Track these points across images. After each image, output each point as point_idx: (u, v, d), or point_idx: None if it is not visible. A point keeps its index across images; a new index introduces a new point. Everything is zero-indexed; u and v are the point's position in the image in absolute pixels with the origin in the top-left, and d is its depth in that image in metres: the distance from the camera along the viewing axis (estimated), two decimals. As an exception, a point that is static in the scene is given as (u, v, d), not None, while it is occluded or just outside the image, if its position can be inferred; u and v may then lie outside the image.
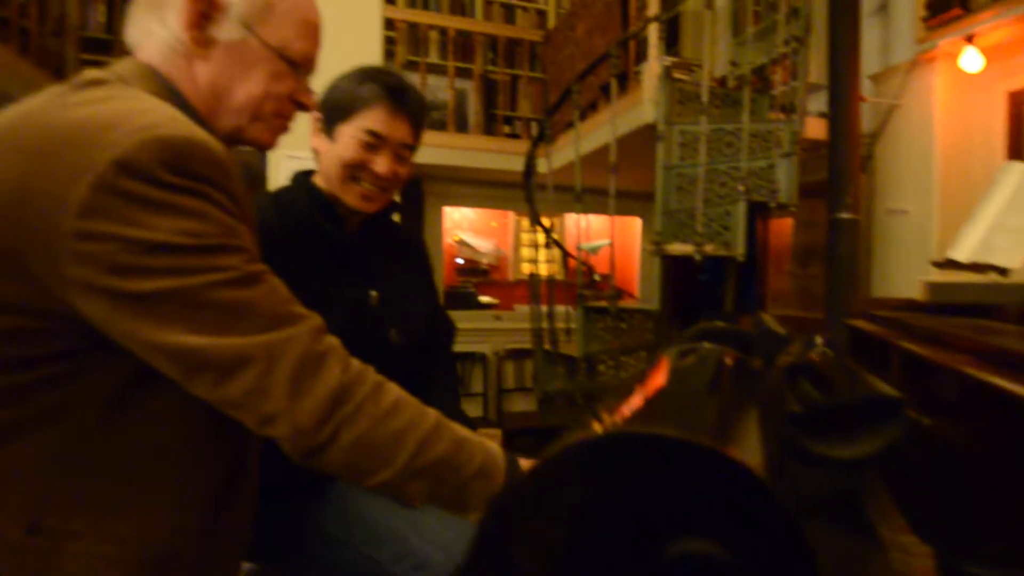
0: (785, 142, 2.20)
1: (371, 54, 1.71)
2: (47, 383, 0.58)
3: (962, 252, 1.59)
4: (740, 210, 2.04)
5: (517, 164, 4.00)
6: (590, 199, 2.96)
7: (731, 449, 0.34)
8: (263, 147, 0.81)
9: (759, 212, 2.88)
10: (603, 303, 2.34)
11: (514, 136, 4.45)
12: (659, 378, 0.69)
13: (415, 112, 1.12)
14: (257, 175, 4.26)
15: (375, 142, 1.08)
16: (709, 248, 2.03)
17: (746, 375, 0.73)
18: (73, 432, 0.59)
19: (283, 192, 1.16)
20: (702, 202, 2.08)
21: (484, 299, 4.74)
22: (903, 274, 2.55)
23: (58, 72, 3.03)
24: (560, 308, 2.83)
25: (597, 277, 5.15)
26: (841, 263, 2.40)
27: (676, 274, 4.43)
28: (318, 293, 1.06)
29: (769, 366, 0.77)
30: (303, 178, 1.17)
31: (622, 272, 5.38)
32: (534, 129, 4.42)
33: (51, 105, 0.59)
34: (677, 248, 2.07)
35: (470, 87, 4.38)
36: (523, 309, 4.78)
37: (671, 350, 0.87)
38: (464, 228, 5.22)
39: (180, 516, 0.64)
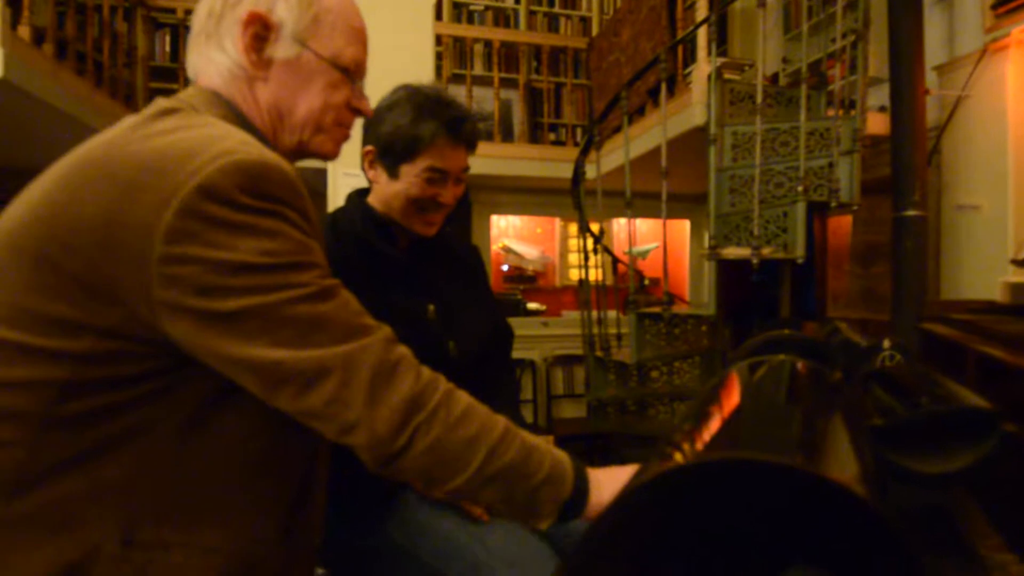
0: (845, 139, 2.12)
1: (424, 69, 1.75)
2: (135, 401, 0.61)
3: (1044, 249, 1.49)
4: (799, 211, 1.98)
5: (563, 171, 4.00)
6: (638, 203, 2.93)
7: (833, 471, 0.33)
8: (327, 157, 0.83)
9: (816, 211, 2.79)
10: (656, 309, 2.30)
11: (559, 143, 4.45)
12: (732, 395, 0.67)
13: (471, 138, 1.14)
14: (315, 192, 4.40)
15: (438, 177, 1.10)
16: (767, 251, 1.98)
17: (824, 386, 0.70)
18: (160, 447, 0.62)
19: (339, 213, 1.19)
20: (758, 204, 2.03)
21: (531, 305, 4.75)
22: (975, 274, 2.42)
23: (129, 100, 3.22)
24: (610, 314, 2.81)
25: (646, 282, 5.08)
26: (908, 263, 2.29)
27: (728, 277, 4.32)
28: (375, 310, 1.09)
29: (851, 379, 0.74)
30: (358, 199, 1.19)
31: (671, 275, 5.30)
32: (579, 135, 4.41)
33: (132, 136, 0.62)
34: (733, 252, 2.02)
35: (515, 96, 4.42)
36: (571, 315, 4.76)
37: (739, 363, 0.85)
38: (509, 235, 5.25)
39: (260, 525, 0.67)
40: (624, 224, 5.18)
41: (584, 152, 2.52)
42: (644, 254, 4.86)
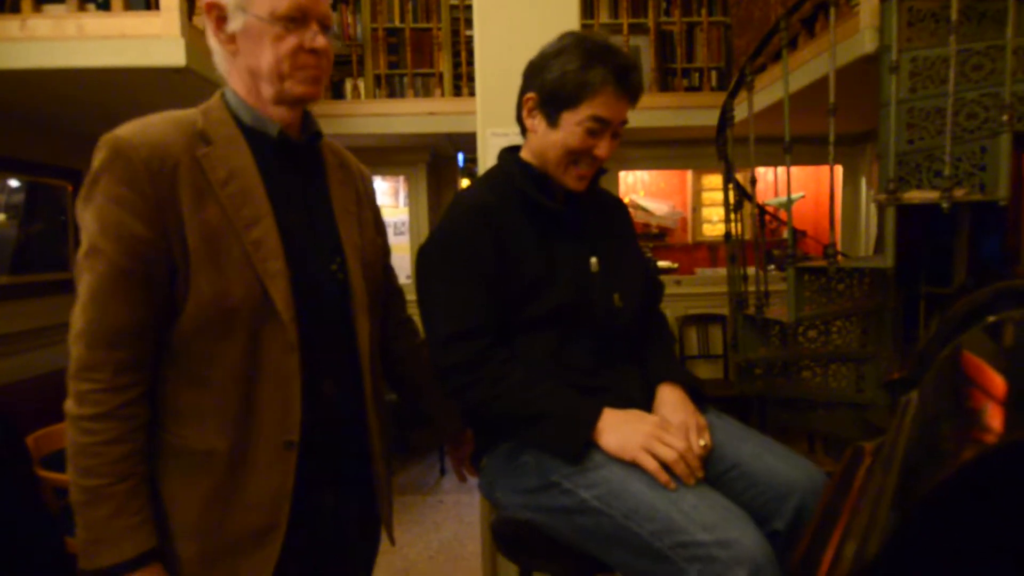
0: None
1: (569, 19, 1.69)
2: None
3: None
4: (1003, 144, 1.69)
5: (697, 118, 3.76)
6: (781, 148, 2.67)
7: None
8: (305, 98, 0.93)
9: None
10: (821, 262, 2.12)
11: (693, 89, 4.18)
12: (983, 370, 0.58)
13: (636, 90, 1.09)
14: (444, 155, 4.50)
15: (599, 128, 1.07)
16: (960, 193, 1.73)
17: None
18: None
19: (495, 173, 1.19)
20: (950, 139, 1.77)
21: (662, 263, 4.60)
22: None
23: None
24: (751, 270, 2.63)
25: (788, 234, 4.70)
26: None
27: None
28: (545, 267, 1.10)
29: None
30: (511, 156, 1.19)
31: (821, 226, 4.86)
32: (714, 80, 4.11)
33: None
34: (918, 195, 1.79)
35: (644, 43, 4.19)
36: (705, 273, 4.55)
37: (971, 333, 0.74)
38: (637, 191, 5.08)
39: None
40: (762, 174, 4.80)
41: (734, 93, 2.33)
42: (791, 204, 4.48)
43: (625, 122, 1.10)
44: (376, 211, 1.17)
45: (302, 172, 1.00)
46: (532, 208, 1.12)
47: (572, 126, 1.07)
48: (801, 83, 2.69)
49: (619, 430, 0.97)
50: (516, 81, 1.16)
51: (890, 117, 1.86)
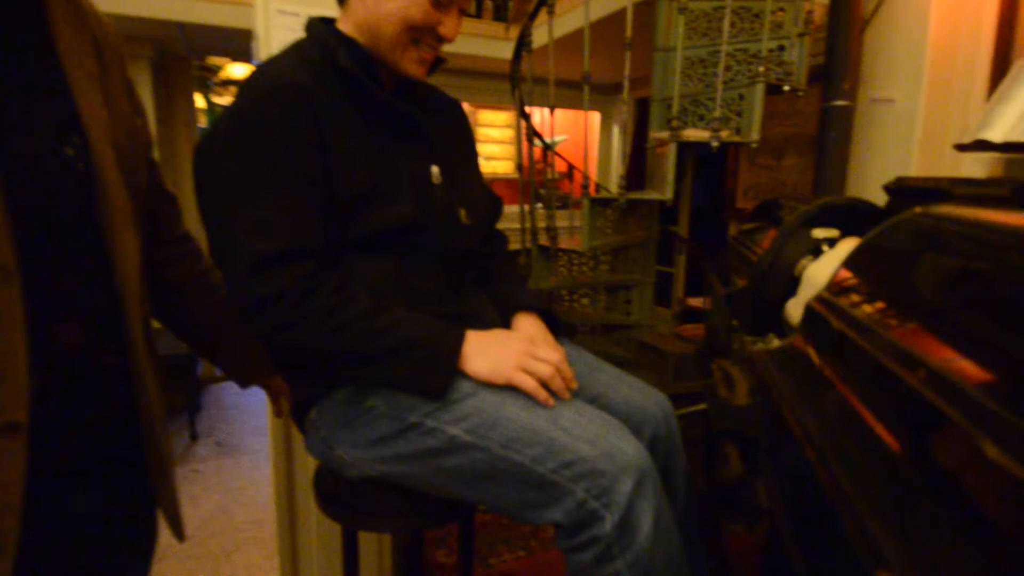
0: (800, 21, 2.09)
1: None
2: None
3: (996, 131, 1.59)
4: (757, 93, 1.95)
5: (477, 47, 3.66)
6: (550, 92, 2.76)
7: None
8: None
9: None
10: (612, 194, 2.24)
11: (467, 15, 4.04)
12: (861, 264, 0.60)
13: None
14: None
15: None
16: (725, 134, 1.95)
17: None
18: None
19: (304, 49, 0.93)
20: (721, 85, 1.97)
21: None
22: (883, 164, 2.62)
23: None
24: (516, 207, 2.72)
25: (556, 175, 5.01)
26: (834, 153, 2.41)
27: (633, 166, 4.32)
28: (379, 173, 0.90)
29: None
30: (327, 29, 0.94)
31: (581, 166, 5.27)
32: (488, 8, 4.04)
33: None
34: (694, 134, 1.97)
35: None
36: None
37: (859, 247, 0.77)
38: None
39: None
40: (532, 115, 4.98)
41: (532, 18, 2.27)
42: (554, 145, 4.75)
43: None
44: (128, 80, 0.82)
45: (6, 2, 0.64)
46: (360, 97, 0.90)
47: None
48: (574, 26, 2.76)
49: (488, 353, 0.86)
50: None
51: (675, 60, 2.00)
